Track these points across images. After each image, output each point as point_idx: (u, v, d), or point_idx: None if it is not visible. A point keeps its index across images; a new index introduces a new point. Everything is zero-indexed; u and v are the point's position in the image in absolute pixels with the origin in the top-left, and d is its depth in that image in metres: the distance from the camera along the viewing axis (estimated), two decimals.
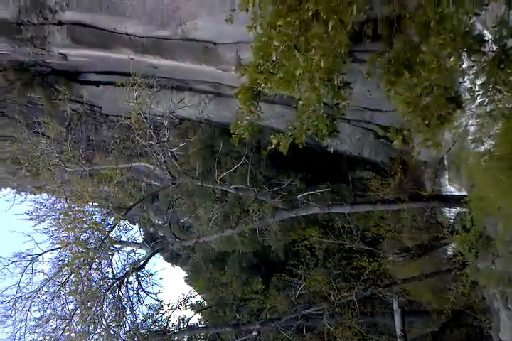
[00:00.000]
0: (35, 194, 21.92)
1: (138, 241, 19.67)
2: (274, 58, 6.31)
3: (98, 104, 24.72)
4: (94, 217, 18.24)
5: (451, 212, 16.11)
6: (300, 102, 6.81)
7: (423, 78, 6.70)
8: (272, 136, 7.02)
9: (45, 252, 17.34)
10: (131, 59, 20.68)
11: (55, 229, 17.75)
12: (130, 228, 19.60)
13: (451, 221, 15.72)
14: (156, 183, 22.81)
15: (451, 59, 5.82)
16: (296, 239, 19.59)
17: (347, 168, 19.95)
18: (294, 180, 18.26)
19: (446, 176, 17.36)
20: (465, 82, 7.56)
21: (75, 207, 18.45)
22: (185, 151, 20.54)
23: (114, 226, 17.89)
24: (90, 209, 18.73)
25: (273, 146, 7.05)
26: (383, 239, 17.78)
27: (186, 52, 19.76)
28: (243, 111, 7.03)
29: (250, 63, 6.93)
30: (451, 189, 17.32)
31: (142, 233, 21.76)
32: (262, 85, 6.73)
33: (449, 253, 17.37)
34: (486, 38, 5.89)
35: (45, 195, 20.81)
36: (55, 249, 17.43)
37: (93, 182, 19.67)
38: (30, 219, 17.99)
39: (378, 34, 7.23)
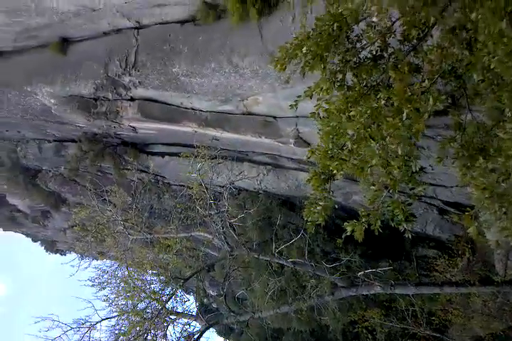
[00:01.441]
0: (97, 259, 22.55)
1: (193, 313, 19.40)
2: (349, 146, 6.41)
3: (162, 173, 25.86)
4: (152, 286, 18.39)
5: None
6: (372, 187, 6.79)
7: (500, 164, 6.56)
8: (346, 223, 6.96)
9: (104, 320, 17.53)
10: (195, 132, 21.72)
11: (115, 297, 17.98)
12: (186, 299, 19.42)
13: None
14: (213, 253, 22.82)
15: None
16: (356, 320, 18.57)
17: (409, 245, 19.17)
18: (353, 256, 17.72)
19: None
20: None
21: (134, 275, 18.73)
22: (243, 222, 20.69)
23: (171, 297, 17.87)
24: (149, 278, 18.93)
25: (348, 234, 6.97)
26: (451, 325, 16.43)
27: (247, 126, 20.54)
28: (315, 197, 7.07)
29: (319, 147, 7.08)
30: None
31: (197, 304, 21.38)
32: (334, 171, 6.81)
33: None
34: None
35: (108, 261, 21.33)
36: (113, 317, 17.55)
37: (153, 251, 20.06)
38: (92, 285, 18.41)
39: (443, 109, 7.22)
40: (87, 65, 20.80)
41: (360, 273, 15.31)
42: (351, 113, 6.26)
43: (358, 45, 6.67)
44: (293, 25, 14.29)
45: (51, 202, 32.78)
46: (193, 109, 20.86)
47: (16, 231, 45.77)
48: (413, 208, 6.97)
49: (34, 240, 47.06)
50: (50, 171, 30.16)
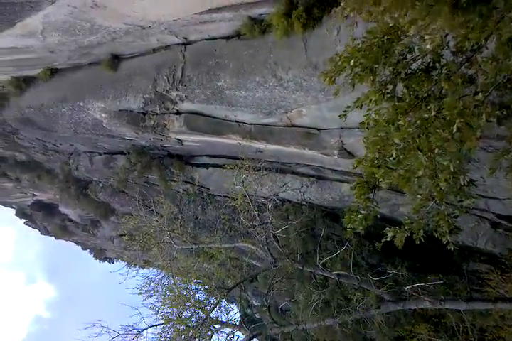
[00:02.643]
0: (143, 268, 23.14)
1: (236, 323, 19.52)
2: (394, 155, 6.39)
3: (206, 184, 26.34)
4: (197, 295, 18.68)
5: None
6: (419, 196, 6.72)
7: None
8: (388, 228, 6.93)
9: (150, 327, 17.93)
10: (240, 144, 22.03)
11: (161, 305, 18.38)
12: (230, 309, 19.58)
13: None
14: (256, 264, 22.93)
15: None
16: (404, 335, 18.07)
17: (460, 259, 18.55)
18: (401, 269, 17.33)
19: None
20: None
21: (180, 284, 19.09)
22: (287, 233, 20.71)
23: (215, 306, 18.09)
24: (194, 287, 19.24)
25: (388, 239, 6.92)
26: None
27: (290, 138, 20.63)
28: (358, 205, 7.07)
29: (366, 157, 7.09)
30: None
31: (240, 314, 21.51)
32: (380, 180, 6.80)
33: None
34: None
35: (154, 270, 21.85)
36: (159, 325, 17.93)
37: (198, 260, 20.40)
38: (140, 293, 18.90)
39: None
40: (137, 80, 21.64)
41: (407, 287, 14.94)
42: (399, 122, 6.23)
43: (409, 56, 6.65)
44: (338, 37, 14.41)
45: (101, 211, 34.02)
46: (237, 122, 21.18)
47: (67, 240, 47.67)
48: (462, 221, 6.82)
49: (84, 248, 48.83)
50: (100, 182, 31.39)
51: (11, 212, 47.74)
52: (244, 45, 17.88)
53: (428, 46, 6.06)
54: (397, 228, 7.06)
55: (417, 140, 6.21)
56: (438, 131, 6.02)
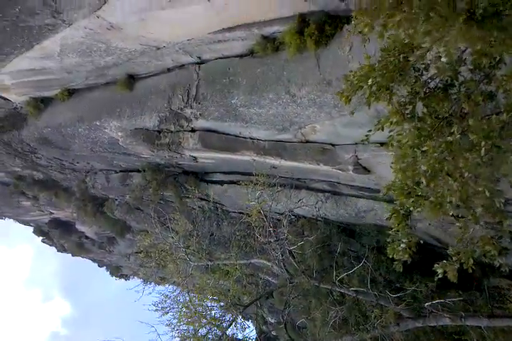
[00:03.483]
0: (159, 284, 23.14)
1: (252, 340, 19.34)
2: (424, 182, 6.27)
3: (221, 201, 26.41)
4: (213, 312, 18.59)
5: None
6: (457, 224, 6.59)
7: None
8: (437, 264, 6.77)
9: None
10: (254, 160, 22.11)
11: (177, 322, 18.33)
12: (247, 326, 19.41)
13: None
14: (272, 280, 22.76)
15: None
16: None
17: (480, 274, 18.19)
18: (420, 286, 17.05)
19: None
20: None
21: (195, 301, 19.03)
22: (302, 249, 20.58)
23: (231, 323, 17.96)
24: (210, 304, 19.17)
25: (439, 276, 6.77)
26: None
27: (305, 154, 20.64)
28: (398, 234, 6.98)
29: (395, 184, 6.99)
30: None
31: (256, 331, 21.28)
32: (410, 208, 6.71)
33: None
34: None
35: (170, 286, 21.85)
36: None
37: (214, 277, 20.34)
38: (156, 310, 18.89)
39: None
40: (152, 99, 22.00)
41: (427, 304, 14.70)
42: (424, 148, 6.13)
43: (425, 74, 6.63)
44: (350, 54, 14.54)
45: (117, 229, 34.27)
46: (251, 138, 21.27)
47: (83, 257, 47.94)
48: (479, 233, 6.73)
49: (100, 265, 49.02)
50: (116, 200, 31.69)
51: (29, 229, 48.39)
52: (257, 62, 18.13)
53: (443, 59, 6.01)
54: (445, 262, 6.92)
55: (444, 164, 6.07)
56: (465, 154, 5.89)
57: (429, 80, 6.63)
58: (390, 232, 7.28)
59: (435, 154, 5.96)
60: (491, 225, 6.58)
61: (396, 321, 16.00)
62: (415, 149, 6.30)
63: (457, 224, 6.58)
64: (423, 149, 6.13)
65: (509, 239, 6.99)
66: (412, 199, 6.59)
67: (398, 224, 7.07)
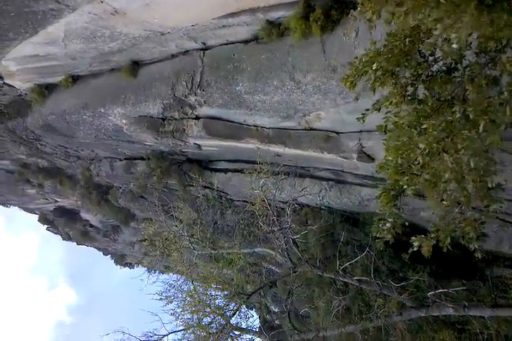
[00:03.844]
0: (163, 273, 23.20)
1: (256, 330, 19.37)
2: (420, 160, 6.25)
3: (225, 189, 26.35)
4: (217, 301, 18.61)
5: None
6: (444, 203, 6.54)
7: None
8: (414, 237, 6.75)
9: (171, 333, 17.95)
10: (258, 148, 21.99)
11: (181, 311, 18.36)
12: (250, 315, 19.44)
13: None
14: (275, 269, 22.75)
15: None
16: None
17: (483, 264, 18.07)
18: (422, 275, 16.96)
19: None
20: None
21: (199, 290, 19.05)
22: (306, 238, 20.51)
23: (235, 312, 17.98)
24: (213, 293, 19.18)
25: (415, 249, 6.75)
26: None
27: (309, 141, 20.50)
28: (385, 213, 6.95)
29: (388, 162, 6.94)
30: None
31: (259, 320, 21.34)
32: (404, 186, 6.66)
33: None
34: None
35: (174, 275, 21.88)
36: (179, 331, 17.92)
37: (217, 266, 20.34)
38: (160, 299, 18.94)
39: None
40: (156, 86, 21.84)
41: (430, 293, 14.62)
42: (423, 126, 6.08)
43: (431, 58, 6.52)
44: (356, 40, 14.29)
45: (121, 217, 34.36)
46: (255, 126, 21.14)
47: (88, 245, 48.27)
48: (486, 226, 6.66)
49: (105, 254, 49.35)
50: (120, 188, 31.71)
51: (34, 217, 48.69)
52: (262, 48, 17.90)
53: (454, 45, 5.89)
54: (422, 236, 6.87)
55: (442, 143, 6.05)
56: (463, 131, 5.86)
57: (433, 63, 6.51)
58: (378, 211, 7.21)
59: (434, 132, 5.88)
60: (478, 209, 6.47)
61: (399, 310, 15.97)
62: (412, 129, 6.23)
63: (444, 202, 6.48)
64: (423, 127, 6.05)
65: (496, 225, 6.89)
66: (407, 177, 6.50)
67: (387, 204, 6.99)
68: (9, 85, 26.01)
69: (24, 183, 37.53)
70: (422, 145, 6.10)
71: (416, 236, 6.71)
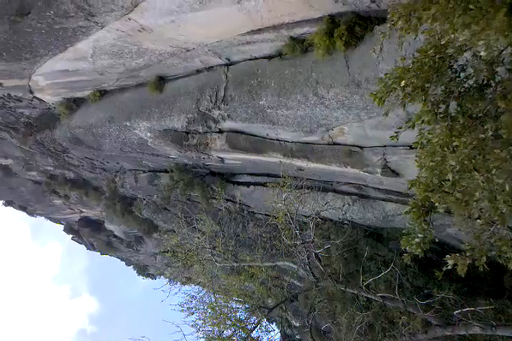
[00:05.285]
0: (185, 284, 23.29)
1: None
2: (451, 178, 6.18)
3: (247, 202, 26.45)
4: (238, 313, 18.57)
5: None
6: (479, 221, 6.44)
7: None
8: (448, 255, 6.65)
9: None
10: (281, 162, 22.05)
11: (202, 323, 18.38)
12: (272, 329, 19.31)
13: None
14: (297, 283, 22.61)
15: None
16: None
17: (511, 282, 17.62)
18: (448, 293, 16.60)
19: None
20: None
21: (221, 302, 19.06)
22: (328, 253, 20.36)
23: (256, 326, 17.90)
24: (235, 306, 19.15)
25: (449, 267, 6.64)
26: None
27: (332, 156, 20.45)
28: (414, 228, 6.89)
29: (420, 178, 6.88)
30: None
31: (280, 334, 21.16)
32: (436, 204, 6.59)
33: None
34: None
35: (196, 287, 21.95)
36: None
37: (239, 279, 20.34)
38: (182, 310, 18.99)
39: None
40: (181, 100, 22.23)
41: (456, 312, 14.29)
42: (454, 143, 6.04)
43: (462, 74, 6.48)
44: (380, 55, 14.32)
45: (144, 228, 34.74)
46: (278, 140, 21.23)
47: (111, 255, 48.84)
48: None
49: (127, 264, 49.81)
50: (144, 199, 32.15)
51: (60, 227, 49.67)
52: (285, 64, 18.07)
53: (483, 53, 5.83)
54: (457, 255, 6.76)
55: (473, 161, 5.98)
56: (495, 151, 5.79)
57: (465, 80, 6.47)
58: (406, 224, 7.16)
59: (465, 150, 5.83)
60: None
61: (424, 329, 15.62)
62: (445, 148, 6.18)
63: (479, 221, 6.38)
64: (453, 145, 6.00)
65: None
66: (439, 195, 6.44)
67: (417, 219, 6.93)
68: (39, 99, 26.86)
69: (51, 194, 38.42)
70: (452, 163, 6.04)
71: (450, 255, 6.62)
